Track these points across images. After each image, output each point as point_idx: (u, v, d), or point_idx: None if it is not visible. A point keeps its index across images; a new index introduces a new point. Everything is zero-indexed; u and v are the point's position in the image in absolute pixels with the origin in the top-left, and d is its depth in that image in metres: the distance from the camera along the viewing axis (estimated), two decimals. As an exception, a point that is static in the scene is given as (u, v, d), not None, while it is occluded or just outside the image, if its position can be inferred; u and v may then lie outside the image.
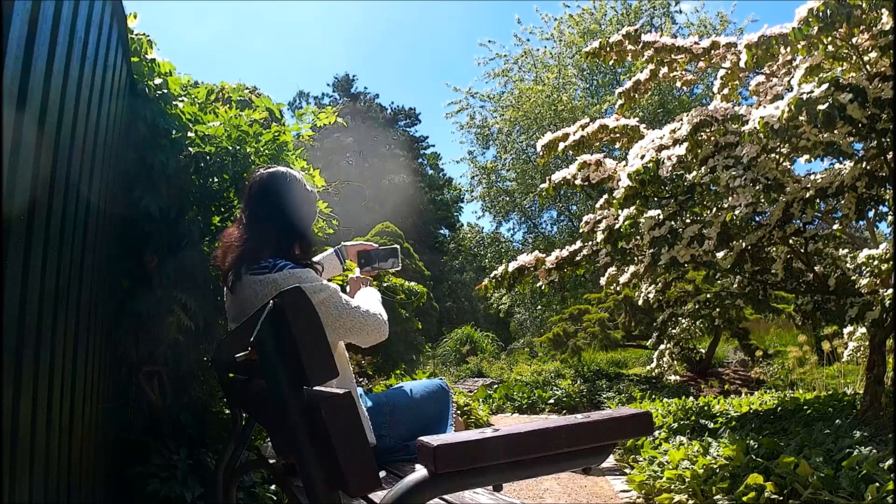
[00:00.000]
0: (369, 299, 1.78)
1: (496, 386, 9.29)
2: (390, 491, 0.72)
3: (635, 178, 3.63)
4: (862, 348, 4.79)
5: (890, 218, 4.22)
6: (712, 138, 3.62)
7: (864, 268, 3.73)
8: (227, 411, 2.77)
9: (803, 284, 4.17)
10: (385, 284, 8.53)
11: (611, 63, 4.31)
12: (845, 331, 5.14)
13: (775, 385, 7.28)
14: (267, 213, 1.67)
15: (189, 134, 2.58)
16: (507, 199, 17.71)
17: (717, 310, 5.39)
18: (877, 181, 3.34)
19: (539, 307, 17.12)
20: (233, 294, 1.64)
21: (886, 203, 3.60)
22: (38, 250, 1.29)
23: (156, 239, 2.48)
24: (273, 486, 2.68)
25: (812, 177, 3.66)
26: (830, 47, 3.16)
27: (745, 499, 2.64)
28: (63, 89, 1.39)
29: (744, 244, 3.83)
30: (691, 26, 15.34)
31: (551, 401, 7.76)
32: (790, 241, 3.92)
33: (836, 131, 3.07)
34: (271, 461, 1.61)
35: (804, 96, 2.85)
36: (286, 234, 1.67)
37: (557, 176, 4.58)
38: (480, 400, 7.49)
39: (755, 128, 3.10)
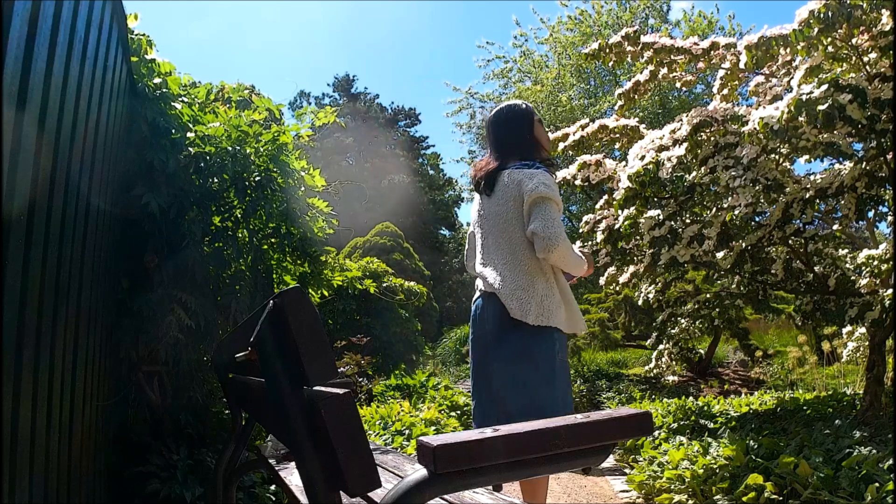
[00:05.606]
0: (576, 252, 2.17)
1: (496, 386, 9.26)
2: (390, 491, 0.72)
3: (635, 180, 3.63)
4: (862, 348, 4.80)
5: (890, 218, 4.22)
6: (712, 139, 3.62)
7: (864, 268, 3.73)
8: (227, 411, 2.77)
9: (803, 284, 4.17)
10: (385, 284, 8.52)
11: (610, 64, 4.30)
12: (845, 331, 5.15)
13: (775, 385, 7.29)
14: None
15: (189, 134, 2.58)
16: (507, 199, 17.66)
17: (717, 310, 5.38)
18: (877, 181, 3.33)
19: (539, 307, 17.05)
20: (488, 195, 2.24)
21: (886, 203, 3.59)
22: (38, 250, 1.29)
23: (156, 239, 2.48)
24: (273, 487, 2.68)
25: (812, 177, 3.66)
26: (830, 48, 3.16)
27: (744, 499, 2.64)
28: (63, 89, 1.39)
29: (744, 244, 3.83)
30: (681, 25, 15.31)
31: (551, 401, 7.74)
32: (790, 242, 3.92)
33: (835, 132, 3.07)
34: (270, 460, 1.61)
35: (804, 97, 2.85)
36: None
37: (557, 176, 4.58)
38: (480, 400, 7.47)
39: (755, 128, 3.10)
